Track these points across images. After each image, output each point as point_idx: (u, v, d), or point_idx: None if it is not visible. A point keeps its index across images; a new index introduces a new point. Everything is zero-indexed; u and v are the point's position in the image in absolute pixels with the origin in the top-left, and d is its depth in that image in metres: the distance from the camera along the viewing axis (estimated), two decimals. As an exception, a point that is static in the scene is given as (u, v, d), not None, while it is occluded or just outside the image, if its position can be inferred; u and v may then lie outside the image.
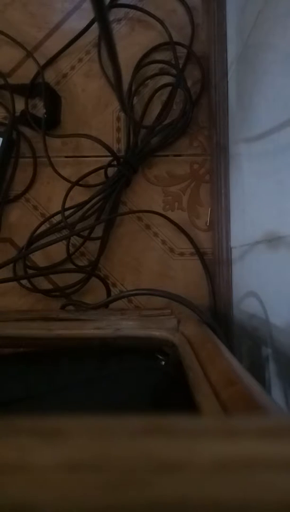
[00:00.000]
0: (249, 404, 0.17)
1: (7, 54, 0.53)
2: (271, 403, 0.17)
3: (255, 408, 0.16)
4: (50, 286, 0.51)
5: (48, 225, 0.50)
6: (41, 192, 0.52)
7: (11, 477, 0.08)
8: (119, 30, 0.52)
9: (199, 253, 0.50)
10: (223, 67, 0.47)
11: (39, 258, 0.51)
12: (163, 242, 0.51)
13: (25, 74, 0.52)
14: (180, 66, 0.50)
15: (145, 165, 0.51)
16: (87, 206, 0.48)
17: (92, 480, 0.08)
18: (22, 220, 0.52)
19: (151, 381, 0.33)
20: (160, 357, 0.35)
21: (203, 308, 0.37)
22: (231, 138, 0.46)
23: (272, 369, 0.33)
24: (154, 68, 0.52)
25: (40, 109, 0.52)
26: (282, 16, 0.31)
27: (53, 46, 0.52)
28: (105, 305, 0.42)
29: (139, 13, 0.52)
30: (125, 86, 0.50)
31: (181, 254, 0.51)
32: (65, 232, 0.49)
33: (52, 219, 0.51)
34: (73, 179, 0.50)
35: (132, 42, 0.52)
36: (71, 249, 0.50)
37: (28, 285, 0.50)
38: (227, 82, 0.47)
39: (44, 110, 0.49)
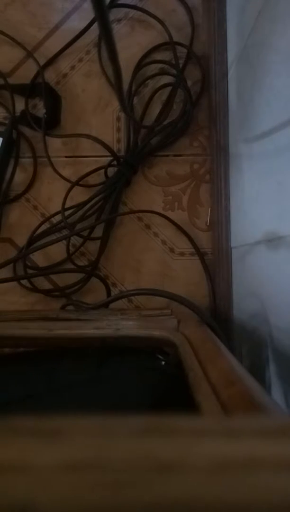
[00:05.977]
0: (249, 404, 0.17)
1: (7, 54, 0.53)
2: (271, 403, 0.17)
3: (255, 408, 0.16)
4: (50, 286, 0.51)
5: (48, 225, 0.50)
6: (41, 192, 0.52)
7: (11, 477, 0.08)
8: (119, 30, 0.52)
9: (199, 253, 0.50)
10: (223, 67, 0.47)
11: (39, 258, 0.51)
12: (163, 242, 0.51)
13: (25, 74, 0.52)
14: (180, 66, 0.50)
15: (145, 165, 0.51)
16: (87, 206, 0.48)
17: (92, 480, 0.08)
18: (22, 220, 0.52)
19: (151, 381, 0.33)
20: (160, 357, 0.35)
21: (203, 308, 0.37)
22: (231, 138, 0.46)
23: (272, 369, 0.33)
24: (154, 68, 0.52)
25: (40, 109, 0.52)
26: (282, 16, 0.31)
27: (53, 46, 0.52)
28: (105, 305, 0.42)
29: (139, 13, 0.52)
30: (125, 86, 0.50)
31: (181, 254, 0.51)
32: (65, 232, 0.49)
33: (52, 219, 0.51)
34: (73, 179, 0.50)
35: (132, 42, 0.52)
36: (71, 249, 0.50)
37: (28, 285, 0.50)
38: (227, 82, 0.47)
39: (44, 110, 0.49)
